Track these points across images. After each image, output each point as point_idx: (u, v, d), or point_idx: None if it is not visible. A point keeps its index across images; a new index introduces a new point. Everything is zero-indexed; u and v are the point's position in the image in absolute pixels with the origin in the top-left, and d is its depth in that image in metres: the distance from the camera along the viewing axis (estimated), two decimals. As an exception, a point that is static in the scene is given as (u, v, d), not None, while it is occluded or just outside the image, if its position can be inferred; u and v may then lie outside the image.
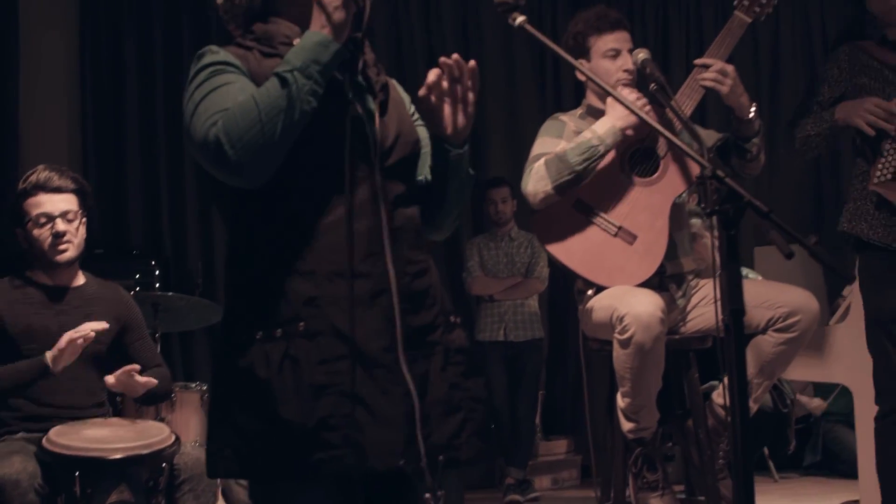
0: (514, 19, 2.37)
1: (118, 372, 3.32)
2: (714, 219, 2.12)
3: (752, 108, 3.32)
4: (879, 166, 3.24)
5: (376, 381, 1.94)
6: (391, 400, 1.94)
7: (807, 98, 3.56)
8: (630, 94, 3.34)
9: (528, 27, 2.37)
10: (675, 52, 7.16)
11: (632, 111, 2.29)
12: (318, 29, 1.97)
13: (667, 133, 2.28)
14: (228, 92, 1.98)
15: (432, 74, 2.03)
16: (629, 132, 3.34)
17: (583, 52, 3.52)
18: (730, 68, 3.29)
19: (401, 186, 2.09)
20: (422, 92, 2.06)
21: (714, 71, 3.28)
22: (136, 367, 3.35)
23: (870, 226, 3.37)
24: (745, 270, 5.06)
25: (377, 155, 2.05)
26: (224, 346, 2.03)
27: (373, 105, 2.09)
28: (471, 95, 2.07)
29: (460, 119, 2.08)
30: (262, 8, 2.15)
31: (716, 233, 5.55)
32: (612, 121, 3.32)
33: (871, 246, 3.38)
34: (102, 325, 3.29)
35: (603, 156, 3.32)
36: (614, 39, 3.51)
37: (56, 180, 3.40)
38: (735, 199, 2.10)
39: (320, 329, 1.94)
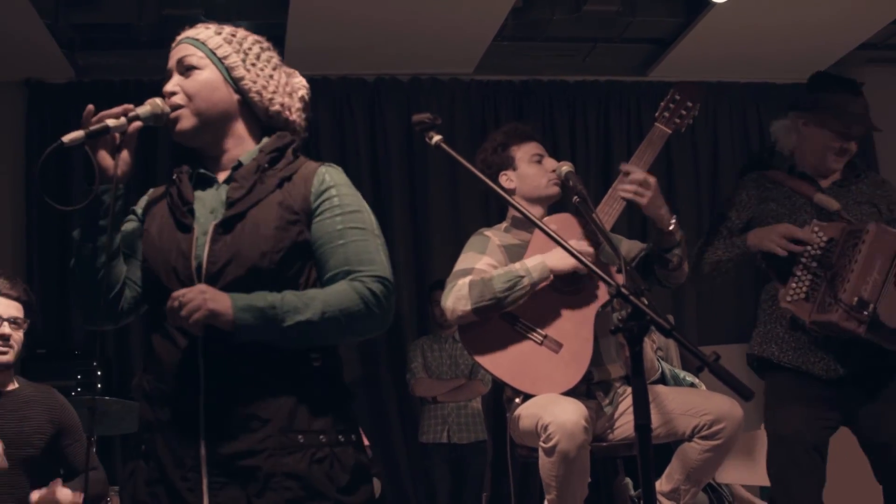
0: (431, 138, 2.45)
1: (42, 491, 3.32)
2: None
3: (672, 220, 3.34)
4: (793, 286, 3.34)
5: None
6: None
7: (716, 222, 3.66)
8: (578, 244, 3.31)
9: (444, 146, 2.45)
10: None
11: (570, 252, 2.31)
12: None
13: (593, 268, 2.29)
14: None
15: None
16: (558, 272, 3.32)
17: (508, 163, 3.60)
18: (651, 179, 3.29)
19: None
20: None
21: (634, 182, 3.28)
22: (58, 482, 3.36)
23: (780, 349, 3.47)
24: (685, 375, 5.08)
25: (199, 278, 2.10)
26: None
27: (210, 223, 2.15)
28: None
29: None
30: None
31: (655, 337, 5.53)
32: (545, 259, 3.32)
33: (781, 367, 3.47)
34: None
35: (526, 289, 3.29)
36: (535, 146, 3.63)
37: (9, 287, 3.47)
38: (639, 317, 2.16)
39: (151, 452, 2.08)
